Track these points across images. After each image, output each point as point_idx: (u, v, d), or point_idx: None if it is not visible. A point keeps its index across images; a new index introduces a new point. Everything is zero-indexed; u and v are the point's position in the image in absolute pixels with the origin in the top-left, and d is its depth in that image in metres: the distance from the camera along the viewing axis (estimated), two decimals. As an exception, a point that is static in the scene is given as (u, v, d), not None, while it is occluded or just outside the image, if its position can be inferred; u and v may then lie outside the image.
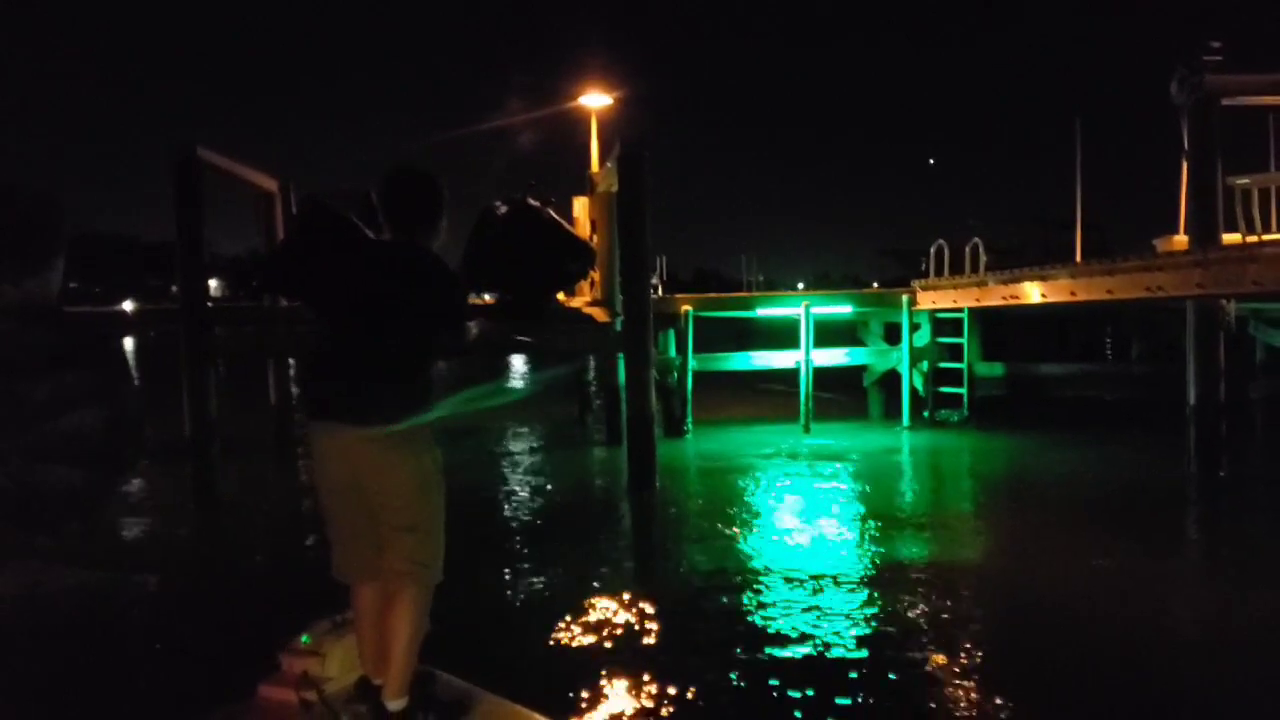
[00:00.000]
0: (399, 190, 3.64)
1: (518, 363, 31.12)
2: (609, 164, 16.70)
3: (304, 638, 3.65)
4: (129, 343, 39.58)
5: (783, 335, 20.08)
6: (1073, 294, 13.63)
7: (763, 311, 20.66)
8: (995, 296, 16.28)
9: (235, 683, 3.65)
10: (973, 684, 6.36)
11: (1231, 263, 10.33)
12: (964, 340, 19.09)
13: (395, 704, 3.43)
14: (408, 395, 3.41)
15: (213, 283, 25.05)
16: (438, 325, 3.48)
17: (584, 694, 6.16)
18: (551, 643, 7.13)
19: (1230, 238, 12.48)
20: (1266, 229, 13.54)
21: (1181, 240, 14.24)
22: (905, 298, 19.38)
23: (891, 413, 19.80)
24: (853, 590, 8.53)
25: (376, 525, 3.49)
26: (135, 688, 2.55)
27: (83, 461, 2.42)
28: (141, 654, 2.66)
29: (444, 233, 3.67)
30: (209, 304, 15.24)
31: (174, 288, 22.56)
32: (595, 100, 24.46)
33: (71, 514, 2.42)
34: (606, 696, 6.16)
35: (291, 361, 18.13)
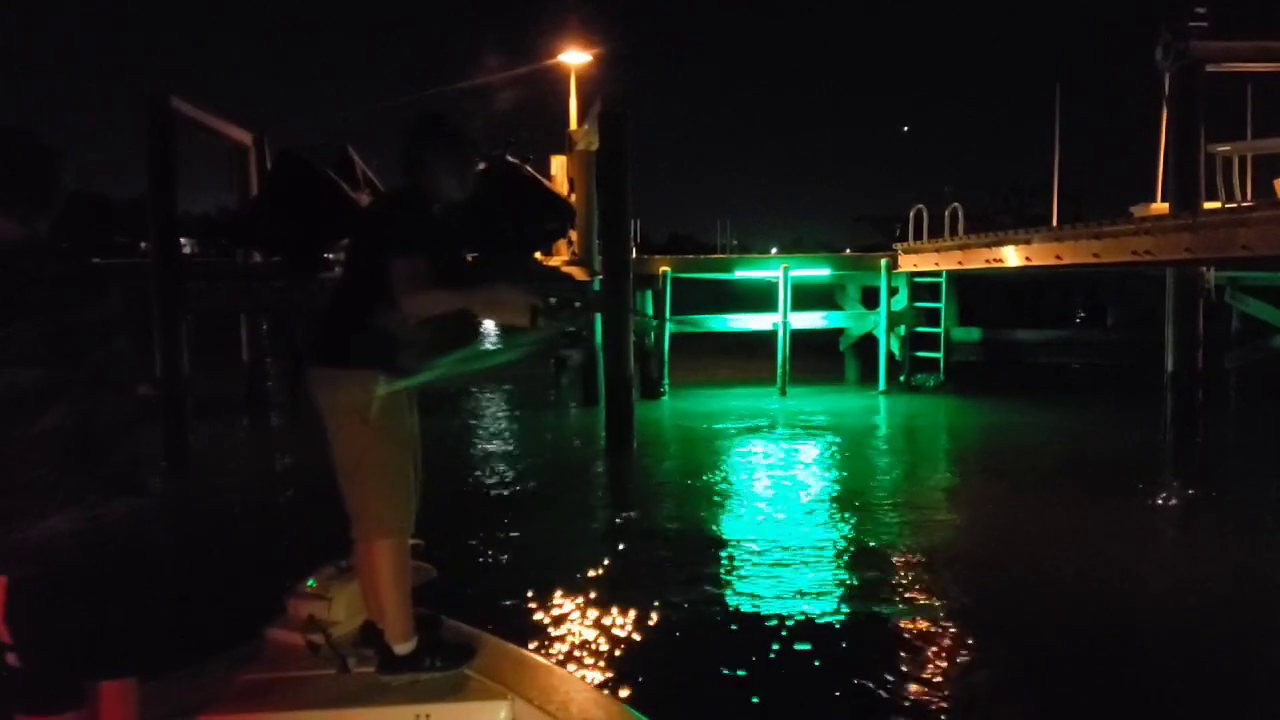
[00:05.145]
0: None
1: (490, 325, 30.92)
2: (588, 122, 16.49)
3: (310, 582, 3.58)
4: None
5: (759, 298, 20.05)
6: (1058, 257, 13.59)
7: (742, 273, 20.59)
8: (978, 259, 16.27)
9: (241, 627, 3.58)
10: (945, 630, 6.43)
11: (1220, 227, 10.31)
12: (941, 305, 19.13)
13: (401, 648, 3.37)
14: (359, 342, 3.29)
15: (182, 240, 24.64)
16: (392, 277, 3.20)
17: (568, 638, 6.37)
18: (532, 594, 7.15)
19: (1209, 205, 12.46)
20: (1245, 197, 13.59)
21: (1160, 207, 14.23)
22: (884, 261, 19.36)
23: (868, 377, 19.84)
24: (824, 548, 8.59)
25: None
26: (154, 631, 2.53)
27: (126, 388, 2.42)
28: (158, 593, 2.62)
29: (433, 172, 3.43)
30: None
31: (143, 245, 22.16)
32: (574, 58, 24.18)
33: (128, 441, 2.40)
34: (589, 641, 6.34)
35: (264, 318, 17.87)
